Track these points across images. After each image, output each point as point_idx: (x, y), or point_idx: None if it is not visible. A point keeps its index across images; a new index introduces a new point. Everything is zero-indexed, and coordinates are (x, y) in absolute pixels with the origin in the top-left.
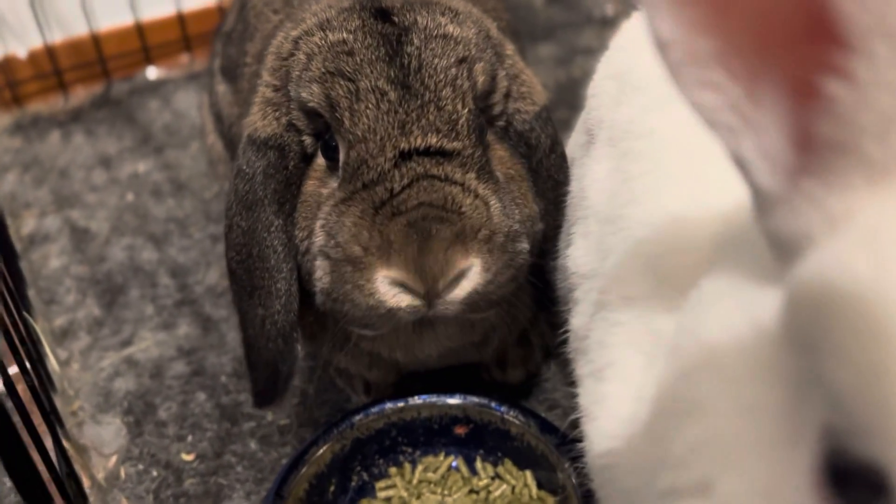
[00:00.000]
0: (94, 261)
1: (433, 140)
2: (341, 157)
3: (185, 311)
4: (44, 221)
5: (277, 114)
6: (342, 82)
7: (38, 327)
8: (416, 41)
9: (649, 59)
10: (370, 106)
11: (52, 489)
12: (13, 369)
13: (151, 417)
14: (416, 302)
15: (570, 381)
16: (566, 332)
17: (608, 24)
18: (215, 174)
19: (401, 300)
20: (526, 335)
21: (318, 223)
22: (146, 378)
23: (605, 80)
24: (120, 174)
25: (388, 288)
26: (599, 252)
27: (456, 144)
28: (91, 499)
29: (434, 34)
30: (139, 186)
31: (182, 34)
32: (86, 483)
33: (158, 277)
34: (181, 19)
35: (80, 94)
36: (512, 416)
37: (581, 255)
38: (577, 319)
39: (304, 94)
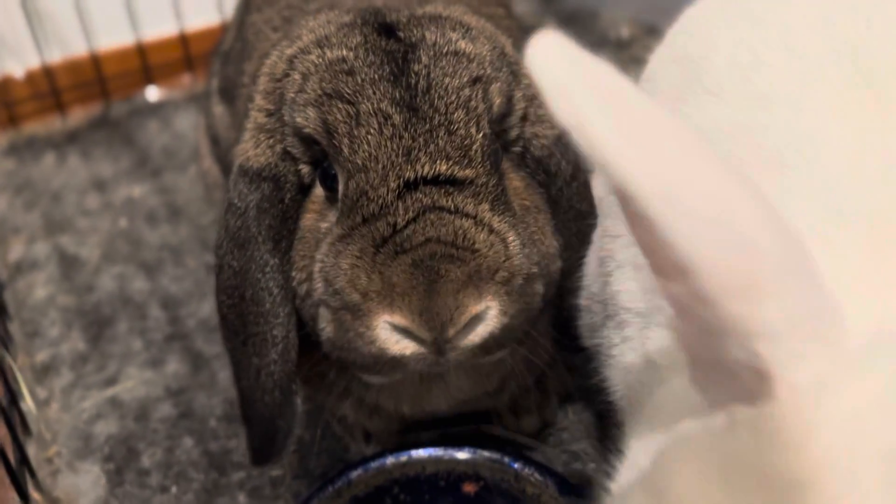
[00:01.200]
0: (81, 290)
1: (443, 167)
2: (340, 187)
3: (175, 346)
4: (32, 248)
5: (271, 141)
6: (341, 105)
7: (17, 363)
8: (424, 59)
9: (726, 48)
10: (371, 131)
11: None
12: None
13: (134, 465)
14: (423, 349)
15: (599, 432)
16: (599, 377)
17: (624, 47)
18: (211, 200)
19: (405, 347)
20: (542, 380)
21: (317, 266)
22: (130, 420)
23: (667, 65)
24: (114, 198)
25: (390, 335)
26: None
27: (468, 172)
28: None
29: (444, 51)
30: (133, 211)
31: (184, 54)
32: None
33: (149, 309)
34: (183, 38)
35: (78, 115)
36: (527, 474)
37: (635, 288)
38: (630, 357)
39: (298, 119)
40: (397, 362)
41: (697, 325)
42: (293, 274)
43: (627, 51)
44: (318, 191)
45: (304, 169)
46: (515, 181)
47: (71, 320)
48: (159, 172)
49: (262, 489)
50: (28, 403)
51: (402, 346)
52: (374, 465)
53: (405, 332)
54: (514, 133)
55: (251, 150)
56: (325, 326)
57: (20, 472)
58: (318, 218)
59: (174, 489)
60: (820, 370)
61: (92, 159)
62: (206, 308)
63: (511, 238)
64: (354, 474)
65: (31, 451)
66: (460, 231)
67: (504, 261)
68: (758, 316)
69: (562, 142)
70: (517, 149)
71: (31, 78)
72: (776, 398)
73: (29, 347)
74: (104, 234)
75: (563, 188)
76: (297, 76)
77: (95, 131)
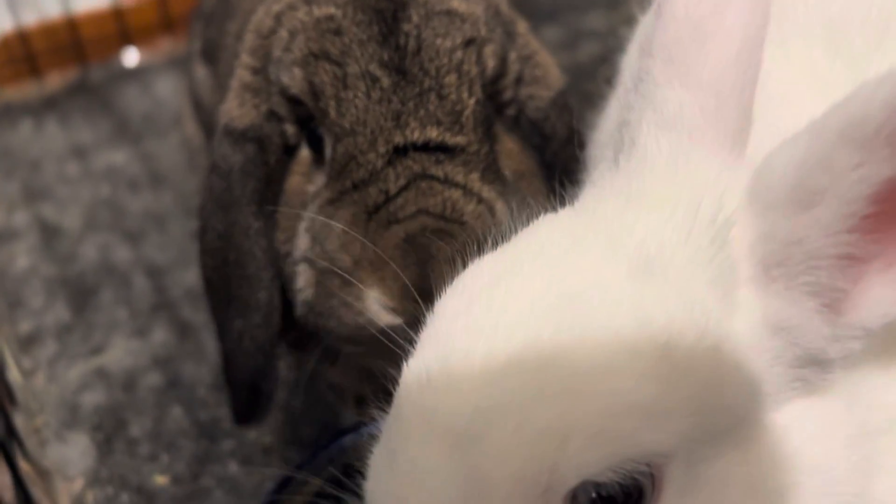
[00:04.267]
0: (64, 260)
1: (433, 134)
2: (328, 151)
3: (161, 315)
4: (12, 217)
5: (256, 101)
6: (327, 66)
7: (1, 334)
8: (414, 18)
9: None
10: (359, 94)
11: None
12: None
13: (123, 434)
14: (407, 322)
15: None
16: None
17: (616, 6)
18: (195, 166)
19: (393, 321)
20: None
21: (303, 225)
22: (117, 390)
23: None
24: (95, 166)
25: (379, 308)
26: None
27: (459, 139)
28: None
29: (436, 10)
30: (115, 179)
31: (164, 16)
32: None
33: (133, 278)
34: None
35: (55, 81)
36: None
37: None
38: None
39: (284, 79)
40: (382, 333)
41: None
42: (277, 235)
43: (620, 10)
44: (304, 153)
45: (290, 129)
46: (509, 144)
47: (54, 290)
48: (140, 139)
49: (253, 457)
50: (14, 374)
51: (389, 320)
52: (368, 430)
53: (392, 309)
54: (507, 95)
55: (236, 110)
56: (305, 288)
57: (8, 443)
58: (303, 180)
59: (165, 457)
60: None
61: (70, 126)
62: (192, 276)
63: (499, 207)
64: (347, 440)
65: (19, 421)
66: (449, 202)
67: (492, 231)
68: None
69: (557, 104)
70: (511, 111)
71: (5, 43)
72: None
73: (12, 318)
74: (85, 202)
75: (558, 151)
76: (283, 33)
77: (73, 97)
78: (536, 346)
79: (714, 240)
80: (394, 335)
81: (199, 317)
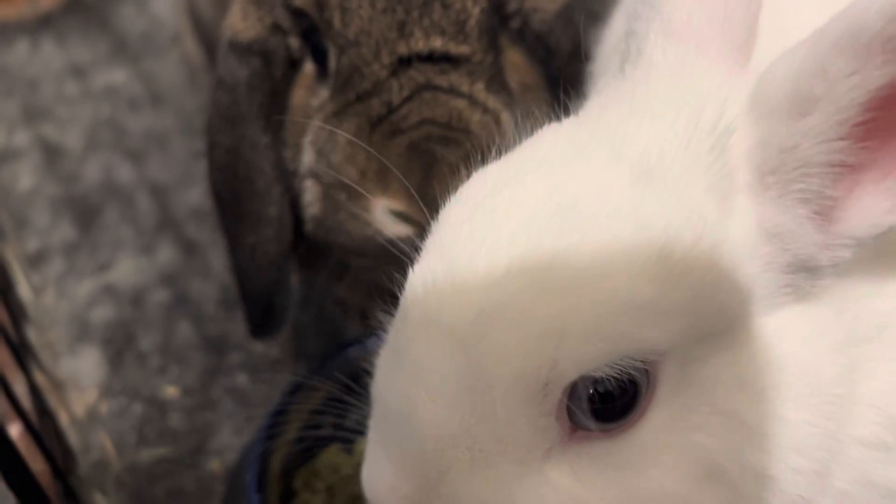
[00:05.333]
0: (67, 179)
1: (437, 43)
2: (332, 63)
3: (166, 234)
4: (13, 137)
5: (260, 13)
6: None
7: (10, 252)
8: None
9: None
10: (363, 4)
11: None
12: None
13: (132, 349)
14: (415, 231)
15: None
16: None
17: None
18: (195, 84)
19: (402, 230)
20: None
21: (308, 139)
22: (126, 306)
23: None
24: (94, 86)
25: (387, 218)
26: None
27: (463, 49)
28: (71, 436)
29: None
30: (115, 98)
31: None
32: (64, 419)
33: (137, 197)
34: None
35: None
36: None
37: None
38: None
39: None
40: (390, 244)
41: None
42: (286, 154)
43: None
44: (308, 66)
45: (294, 42)
46: (514, 56)
47: (59, 210)
48: (139, 58)
49: (260, 370)
50: (24, 290)
51: (397, 230)
52: (372, 343)
53: (401, 215)
54: (512, 6)
55: (240, 24)
56: (312, 203)
57: (23, 355)
58: (308, 94)
59: (174, 370)
60: None
61: (67, 45)
62: (196, 195)
63: (504, 117)
64: (353, 352)
65: (31, 335)
66: (455, 112)
67: (497, 140)
68: None
69: (562, 17)
70: (515, 24)
71: None
72: None
73: (19, 237)
74: (86, 122)
75: (563, 66)
76: None
77: (69, 16)
78: (537, 252)
79: (713, 147)
80: (401, 245)
81: (203, 235)
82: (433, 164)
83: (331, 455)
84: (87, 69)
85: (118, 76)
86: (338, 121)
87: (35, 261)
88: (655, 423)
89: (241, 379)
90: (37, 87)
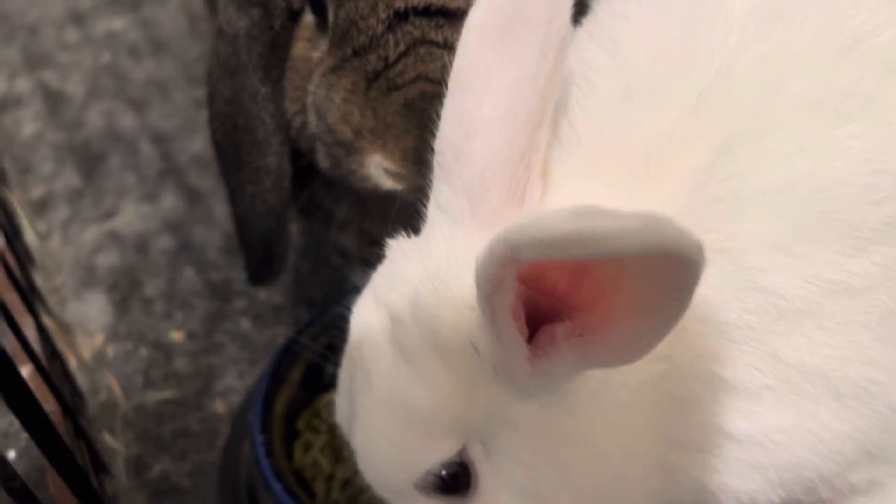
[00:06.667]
0: (70, 126)
1: None
2: (330, 16)
3: (168, 181)
4: (15, 83)
5: None
6: None
7: (14, 198)
8: None
9: None
10: None
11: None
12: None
13: (138, 294)
14: (411, 187)
15: None
16: None
17: None
18: (196, 33)
19: (396, 185)
20: None
21: (309, 99)
22: (131, 253)
23: None
24: (94, 32)
25: (381, 174)
26: None
27: (459, 3)
28: (79, 379)
29: None
30: (115, 46)
31: None
32: (73, 362)
33: (139, 145)
34: None
35: None
36: None
37: None
38: None
39: None
40: (391, 195)
41: None
42: (286, 105)
43: None
44: (308, 18)
45: None
46: None
47: (63, 156)
48: (139, 5)
49: (264, 315)
50: (30, 236)
51: (391, 185)
52: None
53: (395, 174)
54: None
55: None
56: (323, 159)
57: (32, 299)
58: (308, 46)
59: (179, 315)
60: None
61: None
62: (198, 143)
63: None
64: (354, 299)
65: (38, 280)
66: (449, 68)
67: None
68: None
69: None
70: None
71: None
72: None
73: (23, 183)
74: (87, 69)
75: None
76: None
77: None
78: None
79: (437, 316)
80: (398, 196)
81: (206, 183)
82: (427, 125)
83: (331, 398)
84: (86, 15)
85: (118, 23)
86: (335, 76)
87: (39, 207)
88: (488, 483)
89: (245, 324)
90: (37, 34)
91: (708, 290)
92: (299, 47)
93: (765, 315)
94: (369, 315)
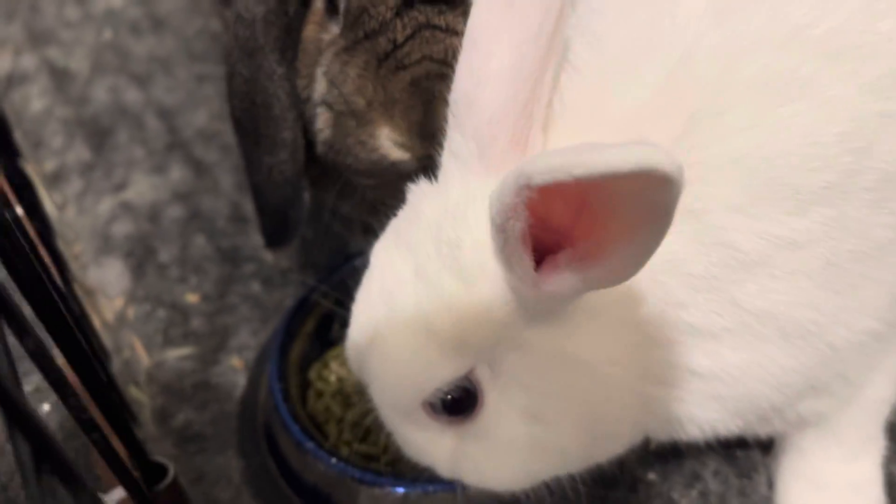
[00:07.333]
0: (77, 102)
1: None
2: (342, 4)
3: (175, 154)
4: (20, 60)
5: None
6: None
7: (31, 169)
8: None
9: None
10: None
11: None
12: (19, 210)
13: (153, 260)
14: (415, 157)
15: None
16: None
17: None
18: (195, 10)
19: (403, 156)
20: None
21: (320, 70)
22: (144, 222)
23: None
24: (94, 9)
25: (390, 144)
26: None
27: None
28: (103, 338)
29: None
30: (116, 23)
31: None
32: (97, 323)
33: (146, 119)
34: None
35: None
36: None
37: None
38: None
39: None
40: (394, 167)
41: None
42: (298, 82)
43: None
44: (318, 4)
45: None
46: None
47: (72, 131)
48: None
49: (272, 278)
50: (48, 206)
51: (399, 154)
52: None
53: (402, 145)
54: None
55: None
56: (324, 129)
57: (60, 263)
58: (318, 29)
59: (193, 279)
60: None
61: None
62: (202, 117)
63: None
64: (359, 261)
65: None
66: (451, 49)
67: None
68: None
69: None
70: None
71: None
72: None
73: (36, 157)
74: (90, 45)
75: None
76: None
77: None
78: (379, 321)
79: (450, 252)
80: (402, 167)
81: (211, 155)
82: (432, 101)
83: (340, 351)
84: None
85: (118, 0)
86: (348, 56)
87: (54, 180)
88: (492, 403)
89: (255, 287)
90: (38, 11)
91: (678, 246)
92: (310, 30)
93: (725, 267)
94: (390, 252)
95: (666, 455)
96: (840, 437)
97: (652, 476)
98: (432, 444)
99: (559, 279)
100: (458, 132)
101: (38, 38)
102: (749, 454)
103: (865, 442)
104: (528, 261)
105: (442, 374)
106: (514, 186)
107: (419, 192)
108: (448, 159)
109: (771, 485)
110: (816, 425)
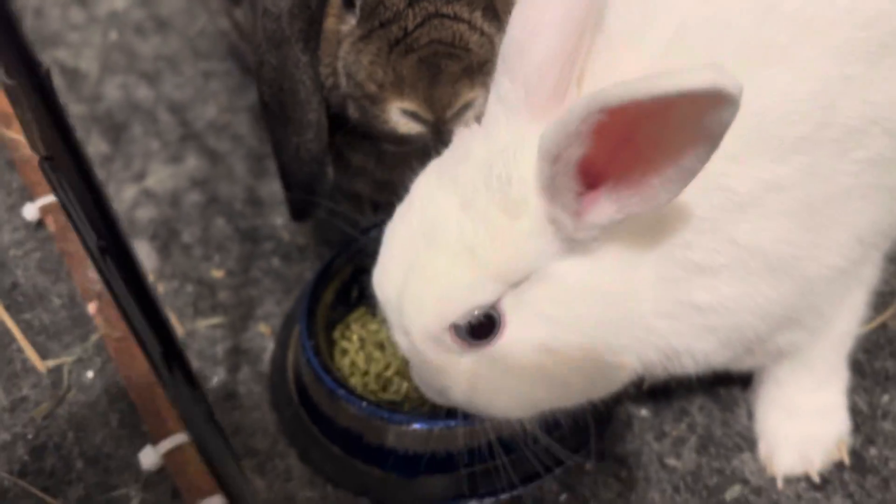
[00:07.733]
0: (90, 100)
1: None
2: None
3: (189, 145)
4: None
5: None
6: None
7: None
8: None
9: None
10: None
11: None
12: (51, 198)
13: (177, 241)
14: (425, 129)
15: None
16: None
17: None
18: (195, 10)
19: (412, 128)
20: None
21: (340, 63)
22: (165, 206)
23: None
24: (98, 11)
25: (400, 117)
26: None
27: None
28: None
29: None
30: (121, 24)
31: None
32: None
33: (158, 114)
34: None
35: None
36: None
37: None
38: None
39: None
40: (405, 139)
41: None
42: (320, 69)
43: None
44: None
45: None
46: None
47: (88, 126)
48: None
49: (291, 254)
50: None
51: (409, 127)
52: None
53: (412, 115)
54: None
55: None
56: (353, 113)
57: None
58: (337, 21)
59: (216, 257)
60: None
61: None
62: (211, 111)
63: (497, 39)
64: (373, 234)
65: None
66: (457, 34)
67: (490, 56)
68: None
69: None
70: None
71: None
72: None
73: None
74: (97, 47)
75: None
76: None
77: None
78: (420, 254)
79: (500, 187)
80: (414, 139)
81: (223, 145)
82: (438, 73)
83: (359, 314)
84: None
85: (120, 2)
86: (363, 44)
87: None
88: (512, 331)
89: (275, 262)
90: (43, 14)
91: (685, 192)
92: (329, 22)
93: (724, 209)
94: (431, 187)
95: (657, 394)
96: (811, 368)
97: (645, 412)
98: (451, 366)
99: (599, 208)
100: (507, 77)
101: (45, 41)
102: (731, 390)
103: (832, 372)
104: (576, 188)
105: (476, 298)
106: (584, 112)
107: (468, 134)
108: (494, 104)
109: (750, 416)
110: (791, 357)
